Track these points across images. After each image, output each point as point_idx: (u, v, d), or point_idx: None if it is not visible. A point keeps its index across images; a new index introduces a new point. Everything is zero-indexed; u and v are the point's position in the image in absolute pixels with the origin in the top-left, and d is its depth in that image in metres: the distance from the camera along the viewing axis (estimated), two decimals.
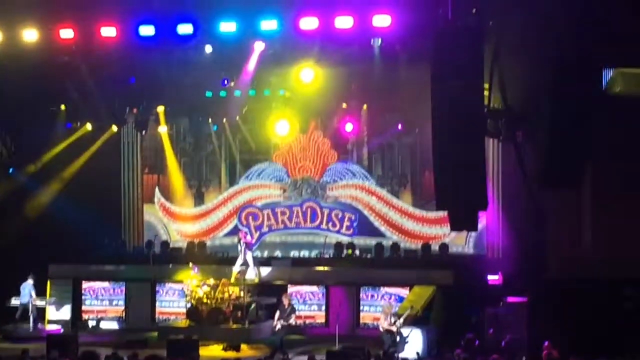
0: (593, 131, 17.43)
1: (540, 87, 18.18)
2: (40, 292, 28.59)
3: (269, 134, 32.04)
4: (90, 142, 31.75)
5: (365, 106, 31.02)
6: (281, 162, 32.98)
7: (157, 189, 33.95)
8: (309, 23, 22.36)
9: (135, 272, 30.34)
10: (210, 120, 33.04)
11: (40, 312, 28.57)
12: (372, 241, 31.59)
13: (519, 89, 20.15)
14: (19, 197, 30.35)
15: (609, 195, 20.24)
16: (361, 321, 28.19)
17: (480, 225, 18.56)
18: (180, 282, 28.88)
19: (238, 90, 29.42)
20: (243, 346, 25.28)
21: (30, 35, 23.55)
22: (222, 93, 29.84)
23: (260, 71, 26.82)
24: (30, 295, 27.86)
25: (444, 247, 30.43)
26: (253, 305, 27.41)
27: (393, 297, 27.48)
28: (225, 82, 28.76)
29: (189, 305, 27.85)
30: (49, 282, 29.57)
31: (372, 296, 28.14)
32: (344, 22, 22.08)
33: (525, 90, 19.90)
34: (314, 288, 28.91)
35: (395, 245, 31.06)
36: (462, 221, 18.48)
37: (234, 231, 31.98)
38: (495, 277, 26.03)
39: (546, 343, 19.80)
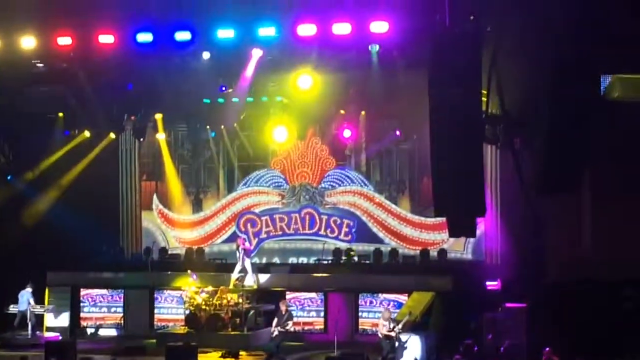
0: (591, 135, 17.43)
1: (538, 91, 18.18)
2: (39, 299, 28.55)
3: (267, 140, 32.06)
4: (88, 149, 31.77)
5: (363, 112, 31.05)
6: (279, 169, 32.99)
7: (155, 196, 33.95)
8: (306, 30, 22.38)
9: (134, 279, 30.29)
10: (208, 127, 33.07)
11: (39, 320, 28.50)
12: (370, 247, 31.60)
13: (517, 94, 20.15)
14: (17, 205, 30.36)
15: (608, 198, 20.27)
16: (360, 327, 28.14)
17: (478, 231, 18.57)
18: (179, 288, 28.85)
19: (236, 97, 29.44)
20: (242, 353, 25.25)
21: (28, 42, 23.57)
22: (220, 100, 29.87)
23: (258, 78, 26.83)
24: (29, 303, 27.81)
25: (442, 253, 30.43)
26: (252, 312, 27.39)
27: (392, 303, 27.44)
28: (223, 88, 28.75)
29: (187, 312, 27.81)
30: (47, 290, 29.55)
31: (371, 302, 28.10)
32: (341, 28, 22.10)
33: (523, 96, 19.90)
34: (313, 294, 28.86)
35: (393, 252, 31.06)
36: (461, 227, 18.44)
37: (233, 238, 31.99)
38: (494, 282, 26.04)
39: (547, 349, 19.80)
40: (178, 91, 27.92)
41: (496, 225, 28.54)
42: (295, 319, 26.09)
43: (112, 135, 31.96)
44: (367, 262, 31.02)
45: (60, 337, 28.09)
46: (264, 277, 29.01)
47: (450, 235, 23.44)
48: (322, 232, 32.33)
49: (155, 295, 29.99)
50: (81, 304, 30.34)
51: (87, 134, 31.48)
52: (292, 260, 32.32)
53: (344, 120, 31.22)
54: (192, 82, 27.12)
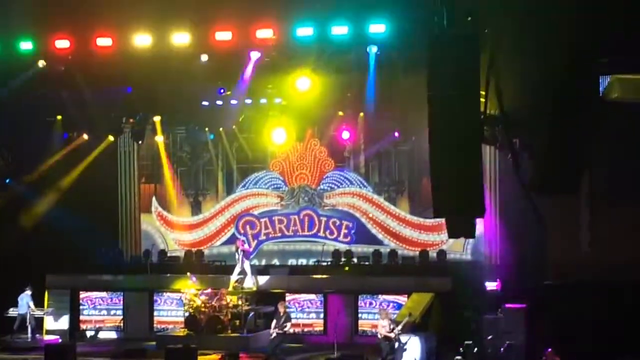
0: (591, 136, 17.43)
1: (537, 92, 18.18)
2: (38, 302, 28.54)
3: (266, 142, 32.06)
4: (87, 152, 31.79)
5: (361, 114, 31.04)
6: (278, 171, 33.00)
7: (154, 198, 33.96)
8: (305, 31, 22.39)
9: (133, 282, 30.32)
10: (206, 129, 33.09)
11: (39, 323, 28.53)
12: (369, 249, 31.59)
13: (516, 95, 20.15)
14: (16, 208, 30.33)
15: (607, 199, 20.26)
16: (359, 329, 28.14)
17: (478, 232, 18.52)
18: (178, 291, 28.87)
19: (234, 99, 29.46)
20: (241, 355, 25.25)
21: (26, 45, 23.58)
22: (219, 102, 29.86)
23: (256, 80, 26.80)
24: (28, 306, 27.81)
25: (441, 254, 30.44)
26: (251, 314, 27.39)
27: (391, 304, 27.46)
28: (222, 91, 28.79)
29: (187, 314, 27.81)
30: (46, 293, 29.54)
31: (370, 304, 28.11)
32: (340, 30, 22.11)
33: (522, 96, 19.91)
34: (312, 296, 28.87)
35: (393, 253, 31.07)
36: (460, 228, 18.42)
37: (232, 240, 31.99)
38: (494, 283, 26.03)
39: (549, 350, 19.81)
40: (176, 94, 27.94)
41: (495, 225, 28.55)
42: (295, 321, 26.10)
43: (111, 138, 31.99)
44: (367, 263, 31.03)
45: (60, 340, 28.12)
46: (263, 279, 29.02)
47: (450, 236, 23.44)
48: (321, 233, 32.34)
49: (154, 298, 30.00)
50: (81, 307, 30.36)
51: (85, 136, 31.48)
52: (292, 262, 32.33)
53: (342, 121, 31.24)
54: (191, 85, 27.14)
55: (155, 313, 29.97)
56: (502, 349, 23.21)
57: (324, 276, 29.57)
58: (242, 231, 32.79)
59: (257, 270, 29.43)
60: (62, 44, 23.47)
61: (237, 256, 28.53)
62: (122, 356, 25.09)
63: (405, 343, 23.42)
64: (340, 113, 30.84)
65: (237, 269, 28.33)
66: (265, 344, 25.35)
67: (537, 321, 22.88)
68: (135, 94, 28.43)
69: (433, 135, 17.19)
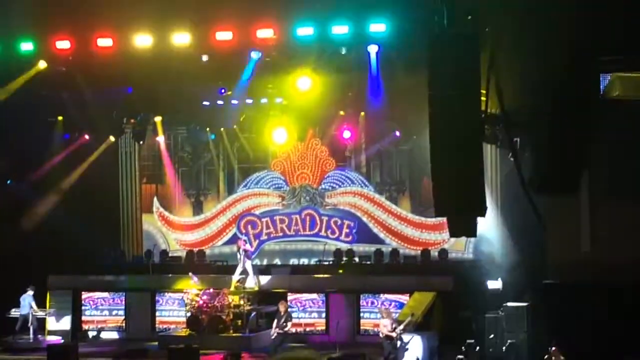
0: (591, 136, 17.41)
1: (537, 91, 18.17)
2: (40, 303, 28.56)
3: (267, 142, 32.07)
4: (88, 153, 31.79)
5: (362, 113, 31.05)
6: (279, 170, 33.00)
7: (155, 199, 33.97)
8: (305, 31, 22.39)
9: (135, 282, 30.34)
10: (207, 129, 33.09)
11: (41, 323, 28.54)
12: (371, 248, 31.60)
13: (517, 94, 20.14)
14: (17, 208, 30.33)
15: (608, 199, 20.24)
16: (361, 328, 28.15)
17: (479, 231, 18.48)
18: (180, 291, 28.86)
19: (235, 99, 29.47)
20: (243, 355, 25.24)
21: (27, 46, 23.58)
22: (219, 102, 29.87)
23: (257, 80, 26.80)
24: (30, 307, 27.83)
25: (443, 253, 30.44)
26: (253, 314, 27.40)
27: (393, 303, 27.46)
28: (222, 91, 28.79)
29: (189, 314, 27.81)
30: (48, 293, 29.55)
31: (372, 303, 28.11)
32: (340, 29, 22.10)
33: (522, 95, 19.89)
34: (314, 295, 28.87)
35: (394, 252, 31.07)
36: (461, 227, 18.41)
37: (233, 240, 32.00)
38: (495, 282, 26.02)
39: (553, 348, 19.81)
40: (177, 94, 27.94)
41: (497, 224, 28.50)
42: (296, 320, 26.12)
43: (112, 139, 31.98)
44: (368, 262, 31.03)
45: (62, 341, 28.12)
46: (265, 279, 29.03)
47: (451, 236, 23.39)
48: (322, 233, 32.35)
49: (156, 298, 30.01)
50: (83, 307, 30.38)
51: (86, 137, 31.48)
52: (293, 261, 32.35)
53: (343, 121, 31.24)
54: (191, 85, 27.14)
55: (157, 313, 29.98)
56: (504, 348, 23.22)
57: (326, 276, 29.58)
58: (243, 231, 32.80)
59: (259, 270, 29.45)
60: (63, 44, 23.47)
61: (238, 256, 28.54)
62: (124, 356, 25.05)
63: (407, 342, 23.42)
64: (341, 112, 30.84)
65: (239, 269, 28.33)
66: (267, 343, 25.36)
67: (539, 320, 22.88)
68: (136, 94, 28.45)
69: (433, 135, 17.19)
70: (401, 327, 23.40)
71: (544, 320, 22.41)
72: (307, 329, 28.65)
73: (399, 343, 23.34)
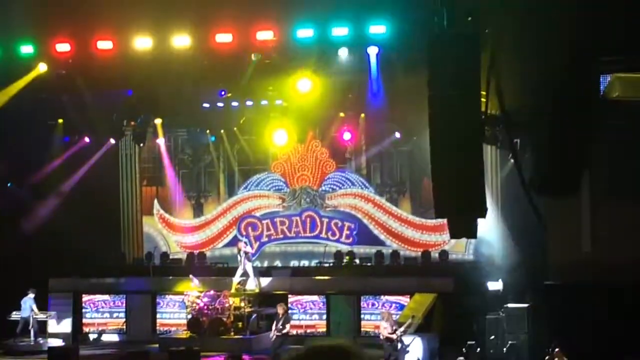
0: (591, 137, 17.42)
1: (538, 92, 18.18)
2: (41, 306, 28.55)
3: (267, 144, 32.05)
4: (88, 155, 31.76)
5: (362, 115, 31.04)
6: (280, 172, 32.99)
7: (156, 201, 33.96)
8: (305, 33, 22.40)
9: (136, 284, 30.35)
10: (208, 131, 33.08)
11: (41, 326, 28.54)
12: (372, 249, 31.59)
13: (517, 94, 20.15)
14: (18, 211, 30.33)
15: (608, 199, 20.25)
16: (362, 330, 28.14)
17: (479, 232, 18.48)
18: (181, 293, 28.88)
19: (235, 101, 29.48)
20: (244, 357, 25.25)
21: (27, 49, 23.60)
22: (219, 104, 29.87)
23: (257, 81, 26.81)
24: (31, 309, 27.84)
25: (444, 254, 30.43)
26: (254, 316, 27.40)
27: (394, 305, 27.47)
28: (222, 93, 28.78)
29: (189, 316, 27.82)
30: (49, 296, 29.54)
31: (373, 304, 28.12)
32: (340, 31, 22.12)
33: (523, 96, 19.90)
34: (315, 297, 28.89)
35: (395, 253, 31.06)
36: (462, 228, 18.40)
37: (234, 242, 31.98)
38: (496, 283, 26.02)
39: (556, 349, 19.81)
40: (177, 96, 27.94)
41: (497, 225, 28.49)
42: (297, 322, 26.11)
43: (112, 141, 31.98)
44: (369, 264, 31.03)
45: (63, 343, 28.10)
46: (265, 281, 29.04)
47: (452, 237, 23.44)
48: (323, 235, 32.33)
49: (157, 300, 30.02)
50: (83, 310, 30.40)
51: (87, 139, 31.49)
52: (294, 263, 32.34)
53: (343, 122, 31.23)
54: (191, 87, 27.13)
55: (158, 315, 30.00)
56: (504, 349, 23.23)
57: (326, 277, 29.57)
58: (244, 233, 32.78)
59: (260, 272, 29.46)
60: (63, 47, 23.50)
61: (239, 258, 28.54)
62: (125, 359, 25.07)
63: (408, 345, 23.42)
64: (342, 114, 30.84)
65: (240, 271, 28.33)
66: (268, 345, 25.38)
67: (539, 321, 22.89)
68: (136, 96, 28.47)
69: (434, 136, 17.18)
70: (402, 329, 23.41)
71: (544, 321, 22.42)
72: (308, 330, 28.65)
73: (399, 345, 23.35)
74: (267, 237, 32.85)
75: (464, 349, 22.60)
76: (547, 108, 17.37)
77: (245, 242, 29.73)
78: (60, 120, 30.58)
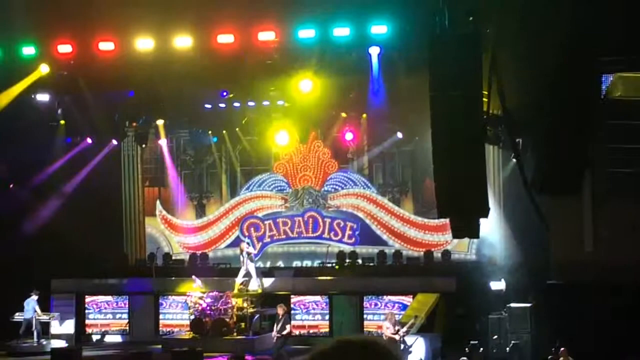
0: (593, 137, 17.41)
1: (539, 92, 18.16)
2: (44, 307, 28.55)
3: (269, 144, 32.07)
4: (90, 156, 31.75)
5: (364, 115, 31.04)
6: (282, 173, 32.99)
7: (158, 202, 33.96)
8: (306, 33, 22.39)
9: (138, 285, 30.36)
10: (210, 132, 33.08)
11: (44, 327, 28.52)
12: (374, 250, 31.58)
13: (518, 94, 20.14)
14: (20, 213, 30.34)
15: (610, 199, 20.22)
16: (365, 330, 28.12)
17: (482, 232, 18.49)
18: (183, 294, 28.87)
19: (237, 101, 29.49)
20: (247, 357, 25.24)
21: (29, 50, 23.61)
22: (221, 105, 29.88)
23: (259, 82, 26.81)
24: (34, 311, 27.83)
25: (446, 254, 30.42)
26: (256, 316, 27.39)
27: (396, 305, 27.46)
28: (224, 93, 28.79)
29: (192, 317, 27.80)
30: (52, 297, 29.55)
31: (376, 304, 28.11)
32: (341, 31, 22.11)
33: (524, 96, 19.90)
34: (317, 297, 28.89)
35: (397, 253, 31.05)
36: (464, 228, 18.43)
37: (236, 242, 31.96)
38: (499, 283, 26.02)
39: (562, 349, 19.82)
40: (179, 97, 27.95)
41: (500, 225, 28.49)
42: (300, 322, 26.08)
43: (114, 142, 31.98)
44: (371, 264, 31.02)
45: (66, 345, 28.10)
46: (268, 281, 29.03)
47: (454, 237, 23.47)
48: (325, 235, 32.32)
49: (160, 301, 30.02)
50: (86, 311, 30.40)
51: (89, 141, 31.49)
52: (296, 263, 32.35)
53: (345, 123, 31.24)
54: (193, 88, 27.13)
55: (161, 316, 30.00)
56: (507, 349, 23.22)
57: (329, 277, 29.57)
58: (246, 233, 32.77)
59: (262, 273, 29.44)
60: (65, 48, 23.51)
61: (241, 258, 28.52)
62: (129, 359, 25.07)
63: (411, 345, 23.42)
64: (343, 114, 30.85)
65: (242, 272, 28.31)
66: (271, 346, 25.38)
67: (542, 320, 22.88)
68: (137, 97, 28.49)
69: (435, 136, 17.19)
70: (404, 329, 23.40)
71: (547, 320, 22.41)
72: (311, 331, 28.65)
73: (402, 345, 23.34)
74: (270, 237, 32.84)
75: (466, 349, 22.59)
76: (548, 108, 17.36)
77: (247, 243, 29.72)
78: (62, 122, 30.54)
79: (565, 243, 21.39)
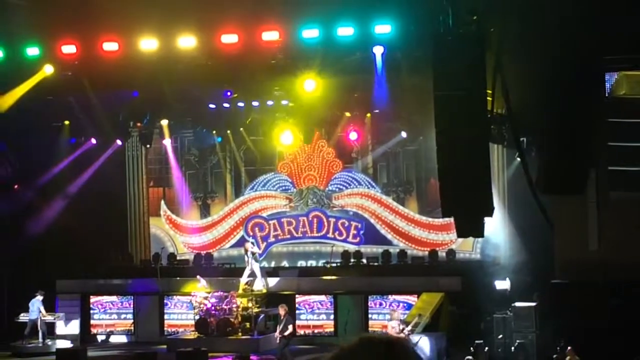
0: (598, 135, 17.41)
1: (543, 91, 18.16)
2: (49, 307, 28.57)
3: (274, 144, 32.08)
4: (94, 157, 31.78)
5: (368, 115, 31.02)
6: (286, 172, 32.99)
7: (162, 202, 33.98)
8: (310, 33, 22.38)
9: (143, 286, 30.37)
10: (214, 132, 33.06)
11: (50, 328, 28.55)
12: (379, 249, 31.57)
13: (523, 94, 20.14)
14: (25, 213, 30.37)
15: (614, 198, 20.21)
16: (370, 329, 28.11)
17: (487, 231, 18.47)
18: (188, 294, 28.88)
19: (241, 101, 29.50)
20: (252, 357, 25.24)
21: (33, 51, 23.61)
22: (225, 104, 29.88)
23: (263, 82, 26.80)
24: (39, 311, 27.84)
25: (451, 253, 30.40)
26: (261, 316, 27.39)
27: (401, 304, 27.45)
28: (228, 93, 28.79)
29: (197, 317, 27.81)
30: (57, 298, 29.57)
31: (381, 304, 28.10)
32: (345, 31, 22.10)
33: (529, 95, 19.90)
34: (322, 297, 28.88)
35: (402, 253, 31.04)
36: (469, 227, 18.45)
37: (241, 242, 31.95)
38: (503, 282, 26.00)
39: (569, 348, 19.79)
40: (183, 97, 27.94)
41: (504, 224, 28.48)
42: (305, 322, 26.07)
43: (119, 142, 32.00)
44: (376, 264, 31.02)
45: (71, 345, 28.12)
46: (273, 281, 29.04)
47: (459, 236, 23.48)
48: (330, 234, 32.32)
49: (164, 301, 30.03)
50: (91, 311, 30.41)
51: (93, 141, 31.51)
52: (301, 263, 32.36)
53: (349, 122, 31.22)
54: (197, 88, 27.13)
55: (166, 316, 30.02)
56: (512, 348, 23.20)
57: (334, 277, 29.56)
58: (251, 233, 32.78)
59: (267, 272, 29.44)
60: (69, 49, 23.49)
61: (246, 258, 28.51)
62: None
63: (416, 344, 23.38)
64: (348, 114, 30.82)
65: (247, 271, 28.31)
66: (275, 346, 25.38)
67: (547, 319, 22.85)
68: (142, 97, 28.46)
69: (440, 135, 17.20)
70: (409, 328, 23.37)
71: (552, 319, 22.38)
72: (316, 330, 28.65)
73: None
74: (274, 237, 32.85)
75: (471, 348, 22.57)
76: (552, 107, 17.36)
77: (252, 243, 29.72)
78: (67, 122, 30.59)
79: (569, 242, 21.38)
